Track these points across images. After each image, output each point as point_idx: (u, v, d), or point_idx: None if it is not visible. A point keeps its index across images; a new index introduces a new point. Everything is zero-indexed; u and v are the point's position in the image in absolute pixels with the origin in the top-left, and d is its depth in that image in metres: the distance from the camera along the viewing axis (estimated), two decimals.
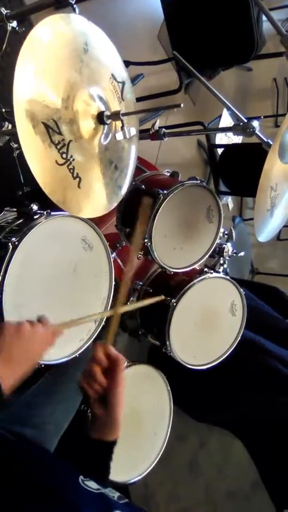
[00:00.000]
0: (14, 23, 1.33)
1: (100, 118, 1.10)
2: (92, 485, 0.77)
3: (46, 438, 1.14)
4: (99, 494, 0.75)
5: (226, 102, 1.16)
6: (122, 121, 1.11)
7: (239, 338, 1.78)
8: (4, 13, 1.31)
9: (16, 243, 1.06)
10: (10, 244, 1.05)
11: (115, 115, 1.10)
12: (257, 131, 1.12)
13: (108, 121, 1.11)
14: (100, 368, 0.92)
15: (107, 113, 1.10)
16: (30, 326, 0.90)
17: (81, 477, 0.77)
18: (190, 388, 1.98)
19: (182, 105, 1.10)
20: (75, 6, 1.22)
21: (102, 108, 1.10)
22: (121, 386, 0.92)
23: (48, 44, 0.94)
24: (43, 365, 1.15)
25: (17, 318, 1.08)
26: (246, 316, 1.79)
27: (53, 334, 0.95)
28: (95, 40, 1.08)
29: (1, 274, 1.03)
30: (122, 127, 1.12)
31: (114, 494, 0.79)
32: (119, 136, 1.13)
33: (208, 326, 1.71)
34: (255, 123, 1.12)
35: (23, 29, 1.36)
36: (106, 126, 1.12)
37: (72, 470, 0.79)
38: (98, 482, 0.79)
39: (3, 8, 1.33)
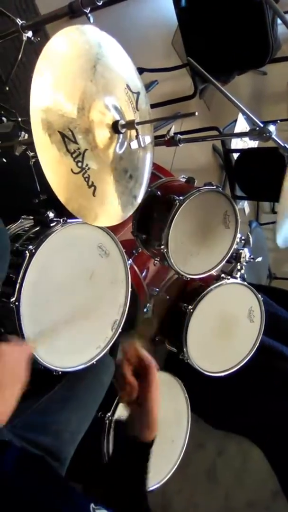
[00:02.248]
0: (30, 33, 1.35)
1: (115, 127, 1.10)
2: None
3: (61, 446, 1.14)
4: None
5: (242, 107, 1.15)
6: (137, 130, 1.11)
7: (257, 345, 1.76)
8: (19, 23, 1.33)
9: (33, 250, 1.06)
10: (27, 251, 1.06)
11: (130, 124, 1.10)
12: (274, 136, 1.11)
13: (123, 130, 1.11)
14: (131, 369, 0.91)
15: (122, 122, 1.10)
16: (7, 347, 0.86)
17: (92, 505, 0.76)
18: (208, 395, 1.96)
19: (196, 113, 1.10)
20: (89, 15, 1.24)
21: (117, 118, 1.10)
22: (153, 388, 0.92)
23: (64, 54, 0.95)
24: (60, 372, 1.15)
25: (34, 325, 1.09)
26: (264, 322, 1.77)
27: (30, 349, 0.93)
28: (109, 50, 1.08)
29: (19, 281, 1.04)
30: (137, 136, 1.12)
31: None
32: (134, 145, 1.13)
33: (225, 332, 1.69)
34: (272, 128, 1.11)
35: (38, 39, 1.38)
36: (121, 135, 1.12)
37: (82, 497, 0.78)
38: (109, 509, 0.78)
39: (18, 19, 1.35)
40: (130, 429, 0.92)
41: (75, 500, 0.77)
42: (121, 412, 1.41)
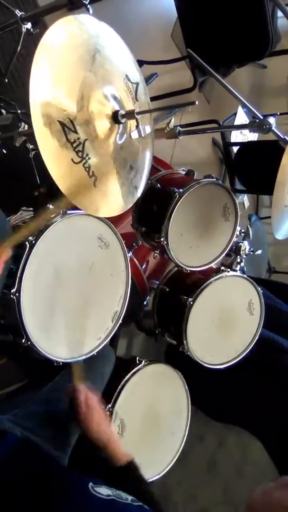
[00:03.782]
0: (29, 25, 1.35)
1: (115, 117, 1.10)
2: (103, 491, 0.76)
3: (63, 435, 1.15)
4: (110, 501, 0.75)
5: (242, 99, 1.14)
6: (137, 119, 1.11)
7: (257, 337, 1.77)
8: (18, 15, 1.32)
9: (33, 241, 1.07)
10: (27, 243, 1.06)
11: (130, 114, 1.10)
12: (273, 128, 1.11)
13: (123, 120, 1.11)
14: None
15: (122, 112, 1.10)
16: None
17: (90, 483, 0.77)
18: (208, 387, 1.97)
19: (197, 102, 1.10)
20: (89, 6, 1.23)
21: (117, 108, 1.10)
22: (88, 423, 1.06)
23: (62, 45, 0.94)
24: (61, 363, 1.16)
25: (35, 315, 1.09)
26: (264, 315, 1.77)
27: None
28: (108, 41, 1.08)
29: (19, 272, 1.04)
30: (137, 126, 1.12)
31: (128, 497, 0.79)
32: (134, 134, 1.13)
33: (225, 325, 1.70)
34: (272, 120, 1.11)
35: (37, 30, 1.38)
36: (121, 126, 1.12)
37: (81, 478, 0.79)
38: (110, 486, 0.79)
39: (17, 10, 1.34)
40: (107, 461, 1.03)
41: (72, 482, 0.77)
42: (122, 403, 1.43)
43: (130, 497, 0.79)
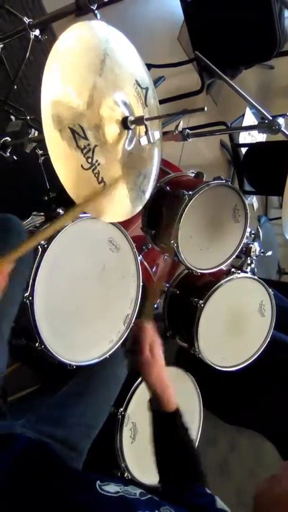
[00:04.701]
0: (37, 32, 1.36)
1: (124, 123, 1.10)
2: (110, 489, 0.76)
3: (77, 439, 1.15)
4: (118, 498, 0.75)
5: (251, 99, 1.14)
6: (146, 126, 1.11)
7: (268, 339, 1.75)
8: (26, 22, 1.34)
9: (45, 246, 1.08)
10: (39, 247, 1.07)
11: (139, 120, 1.10)
12: (283, 128, 1.11)
13: (132, 126, 1.11)
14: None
15: (131, 118, 1.11)
16: None
17: (98, 482, 0.76)
18: (219, 390, 1.96)
19: (205, 108, 1.10)
20: (96, 12, 1.24)
21: (126, 114, 1.11)
22: (150, 364, 1.02)
23: (73, 51, 0.95)
24: (74, 367, 1.16)
25: (47, 319, 1.10)
26: (275, 317, 1.76)
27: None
28: (118, 45, 1.09)
29: (32, 277, 1.05)
30: (146, 132, 1.12)
31: (136, 491, 0.78)
32: (144, 141, 1.14)
33: (236, 327, 1.69)
34: (281, 120, 1.10)
35: (45, 37, 1.39)
36: (130, 131, 1.13)
37: (88, 477, 0.79)
38: (117, 482, 0.79)
39: (25, 18, 1.36)
40: (153, 405, 1.03)
41: (80, 480, 0.78)
42: (134, 407, 1.42)
43: (138, 491, 0.79)
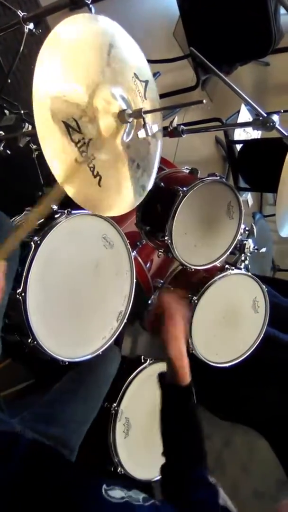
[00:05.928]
0: (31, 25, 1.35)
1: (121, 117, 1.09)
2: (115, 494, 0.76)
3: (69, 435, 1.15)
4: (123, 504, 0.74)
5: (245, 96, 1.14)
6: (144, 118, 1.10)
7: (262, 335, 1.76)
8: (21, 15, 1.32)
9: (38, 242, 1.07)
10: (32, 243, 1.06)
11: (137, 113, 1.09)
12: (277, 125, 1.11)
13: (130, 119, 1.10)
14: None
15: (129, 111, 1.09)
16: None
17: (104, 486, 0.76)
18: (213, 385, 1.97)
19: (204, 101, 1.09)
20: (91, 6, 1.23)
21: (124, 107, 1.09)
22: (170, 335, 1.03)
23: (68, 43, 0.94)
24: (67, 363, 1.16)
25: (40, 315, 1.09)
26: (269, 313, 1.77)
27: None
28: (119, 38, 1.08)
29: (25, 272, 1.05)
30: (144, 125, 1.11)
31: (139, 496, 0.78)
32: (141, 133, 1.12)
33: (230, 323, 1.69)
34: (275, 117, 1.10)
35: (40, 31, 1.38)
36: (128, 125, 1.12)
37: (94, 481, 0.79)
38: (122, 486, 0.78)
39: (19, 11, 1.34)
40: (167, 379, 1.03)
41: (85, 486, 0.77)
42: (128, 402, 1.43)
43: (141, 496, 0.79)
